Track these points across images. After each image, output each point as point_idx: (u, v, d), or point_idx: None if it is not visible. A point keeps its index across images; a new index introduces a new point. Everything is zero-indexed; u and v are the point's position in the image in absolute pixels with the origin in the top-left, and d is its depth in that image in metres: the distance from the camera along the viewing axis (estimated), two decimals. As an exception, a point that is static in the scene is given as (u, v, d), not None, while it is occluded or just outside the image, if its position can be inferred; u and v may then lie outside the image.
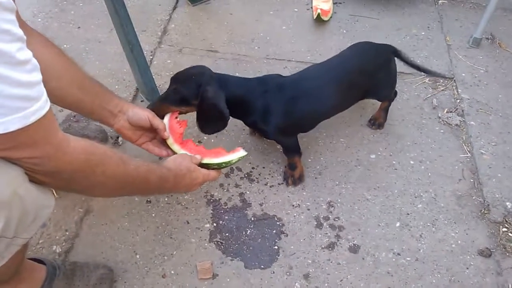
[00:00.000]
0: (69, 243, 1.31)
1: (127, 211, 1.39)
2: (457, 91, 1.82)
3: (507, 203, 1.46)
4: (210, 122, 1.29)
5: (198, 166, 1.16)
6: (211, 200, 1.44)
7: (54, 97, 1.06)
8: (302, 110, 1.35)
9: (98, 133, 1.50)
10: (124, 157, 0.93)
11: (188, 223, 1.38)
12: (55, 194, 1.38)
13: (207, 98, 1.22)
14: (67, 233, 1.33)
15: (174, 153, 1.23)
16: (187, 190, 1.16)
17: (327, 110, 1.44)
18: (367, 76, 1.43)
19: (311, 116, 1.41)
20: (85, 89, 1.12)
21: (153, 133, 1.26)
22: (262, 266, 1.30)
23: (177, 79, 1.27)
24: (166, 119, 1.25)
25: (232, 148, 1.23)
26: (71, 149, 0.79)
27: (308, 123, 1.45)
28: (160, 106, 1.27)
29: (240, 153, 1.21)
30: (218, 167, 1.21)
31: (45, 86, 0.71)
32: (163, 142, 1.26)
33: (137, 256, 1.30)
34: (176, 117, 1.27)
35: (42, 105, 0.70)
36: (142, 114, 1.20)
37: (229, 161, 1.20)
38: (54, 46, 1.08)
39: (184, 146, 1.23)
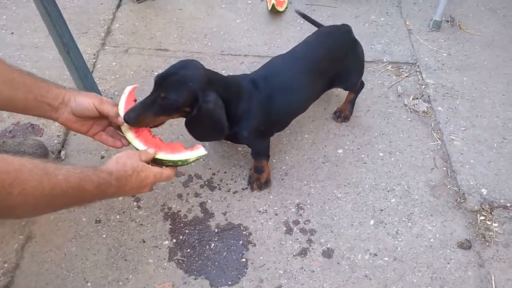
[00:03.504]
0: (9, 277, 1.15)
1: (73, 234, 1.24)
2: (422, 77, 1.75)
3: (483, 190, 1.39)
4: (205, 132, 1.16)
5: (152, 161, 1.02)
6: (169, 214, 1.30)
7: None
8: (279, 108, 1.24)
9: (36, 149, 1.33)
10: (49, 167, 0.80)
11: (144, 241, 1.24)
12: (-11, 222, 1.22)
13: (207, 110, 1.07)
14: (5, 265, 1.17)
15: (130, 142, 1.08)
16: (137, 193, 1.01)
17: (302, 103, 1.35)
18: (334, 60, 1.34)
19: (288, 112, 1.31)
20: (13, 84, 0.96)
21: (106, 119, 1.10)
22: (230, 282, 1.17)
23: (165, 83, 1.06)
24: (123, 100, 1.09)
25: (190, 147, 1.08)
26: None
27: (285, 120, 1.35)
28: (144, 117, 1.05)
29: (200, 151, 1.06)
30: (173, 164, 1.06)
31: None
32: (119, 129, 1.10)
33: (88, 284, 1.15)
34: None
35: None
36: (87, 102, 1.04)
37: (186, 160, 1.05)
38: None
39: (140, 135, 1.07)
